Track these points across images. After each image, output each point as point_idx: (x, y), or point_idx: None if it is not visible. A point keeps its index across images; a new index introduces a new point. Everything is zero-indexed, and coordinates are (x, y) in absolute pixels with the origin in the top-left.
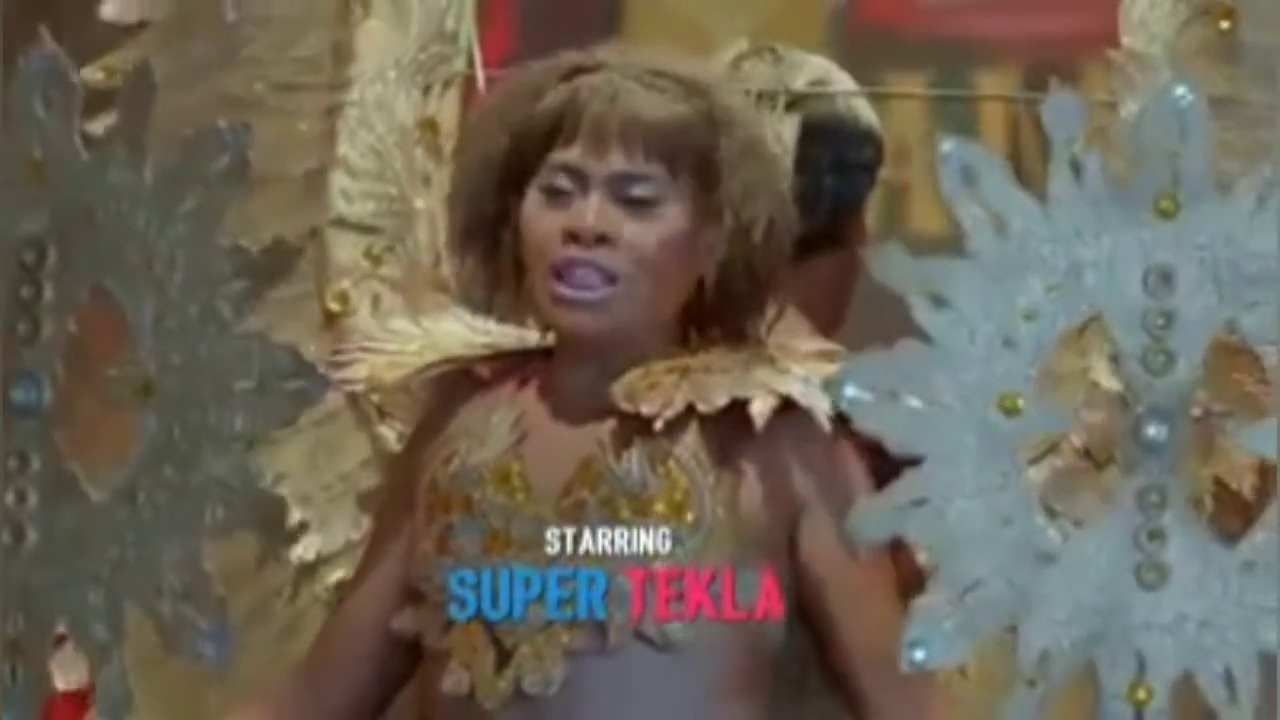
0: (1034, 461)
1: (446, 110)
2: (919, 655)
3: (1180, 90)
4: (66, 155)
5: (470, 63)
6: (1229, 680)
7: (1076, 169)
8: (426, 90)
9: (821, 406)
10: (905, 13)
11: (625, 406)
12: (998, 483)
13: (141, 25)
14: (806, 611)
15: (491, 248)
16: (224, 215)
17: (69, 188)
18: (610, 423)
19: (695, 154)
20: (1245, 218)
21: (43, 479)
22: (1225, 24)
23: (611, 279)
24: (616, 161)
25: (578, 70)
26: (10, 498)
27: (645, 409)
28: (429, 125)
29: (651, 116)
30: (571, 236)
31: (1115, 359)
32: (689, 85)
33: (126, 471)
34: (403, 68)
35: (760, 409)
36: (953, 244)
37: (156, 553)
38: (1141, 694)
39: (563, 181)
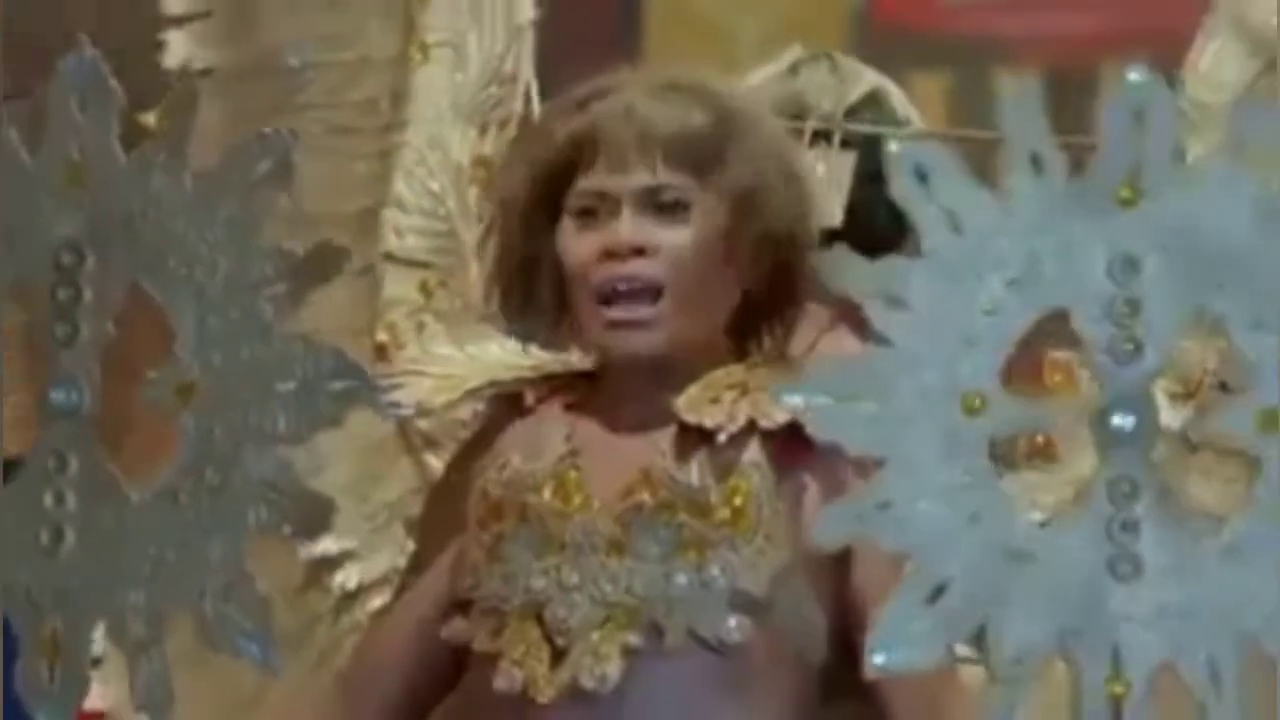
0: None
1: (502, 149)
2: (879, 659)
3: (1136, 76)
4: (105, 158)
5: (527, 102)
6: (1212, 669)
7: (1036, 162)
8: (483, 130)
9: None
10: (924, 12)
11: (689, 419)
12: (964, 481)
13: (207, 71)
14: (846, 626)
15: (530, 287)
16: (266, 219)
17: (108, 191)
18: (669, 432)
19: (715, 157)
20: (1212, 201)
21: (81, 480)
22: None
23: (656, 293)
24: (640, 176)
25: (590, 98)
26: (49, 499)
27: (710, 422)
28: (483, 163)
29: (666, 127)
30: (608, 254)
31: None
32: (698, 92)
33: (167, 472)
34: (460, 108)
35: None
36: None
37: (199, 553)
38: (1119, 688)
39: (592, 204)
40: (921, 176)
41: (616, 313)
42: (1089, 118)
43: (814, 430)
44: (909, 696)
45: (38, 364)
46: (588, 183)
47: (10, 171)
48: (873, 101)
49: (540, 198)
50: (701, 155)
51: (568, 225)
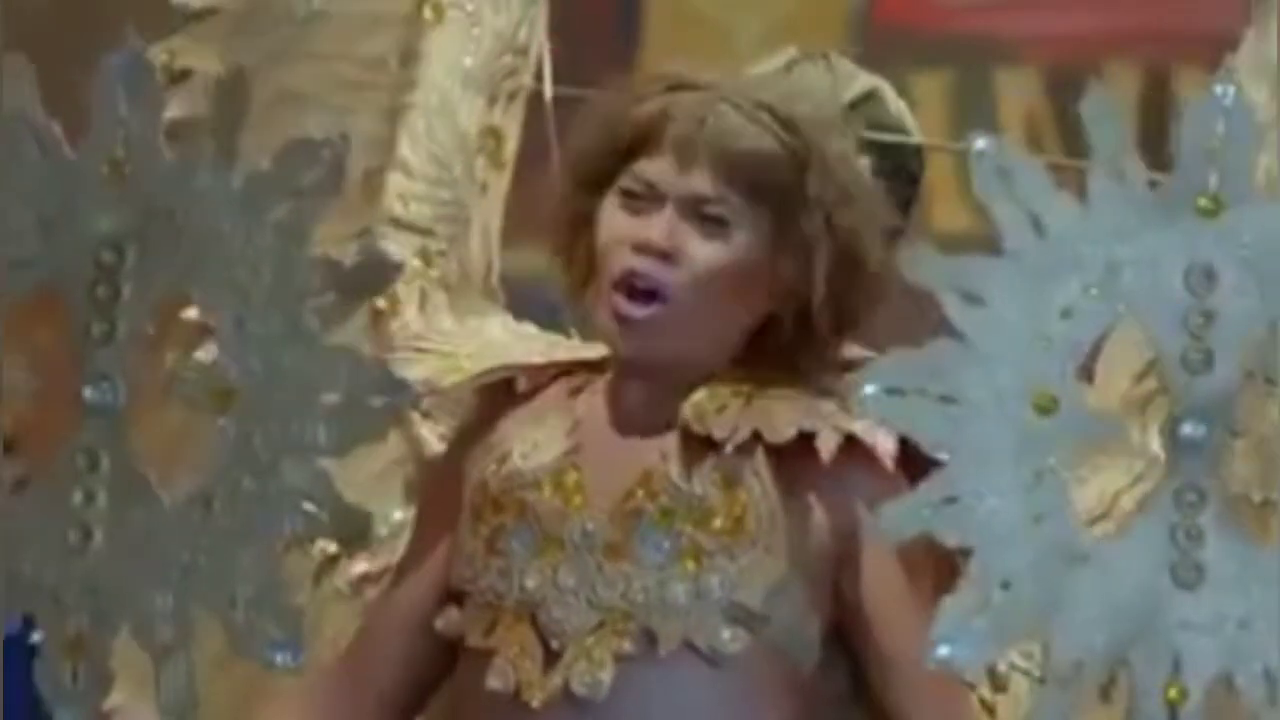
0: None
1: (510, 121)
2: (943, 651)
3: (1222, 89)
4: (149, 154)
5: (538, 76)
6: (1269, 680)
7: (1117, 169)
8: (492, 100)
9: (885, 446)
10: (924, 11)
11: (696, 428)
12: (1030, 481)
13: (210, 11)
14: (853, 643)
15: (573, 243)
16: (314, 227)
17: (151, 188)
18: (673, 437)
19: (777, 188)
20: None
21: (113, 479)
22: None
23: (664, 300)
24: (696, 183)
25: (682, 85)
26: (79, 497)
27: (716, 432)
28: (492, 133)
29: (738, 145)
30: (640, 248)
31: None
32: (784, 121)
33: (202, 476)
34: (470, 75)
35: (827, 444)
36: (979, 243)
37: (231, 560)
38: (1175, 693)
39: (641, 190)
40: (1004, 176)
41: (622, 304)
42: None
43: (885, 421)
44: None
45: (61, 360)
46: (645, 169)
47: (51, 165)
48: (867, 102)
49: (602, 164)
50: (763, 181)
51: (612, 200)
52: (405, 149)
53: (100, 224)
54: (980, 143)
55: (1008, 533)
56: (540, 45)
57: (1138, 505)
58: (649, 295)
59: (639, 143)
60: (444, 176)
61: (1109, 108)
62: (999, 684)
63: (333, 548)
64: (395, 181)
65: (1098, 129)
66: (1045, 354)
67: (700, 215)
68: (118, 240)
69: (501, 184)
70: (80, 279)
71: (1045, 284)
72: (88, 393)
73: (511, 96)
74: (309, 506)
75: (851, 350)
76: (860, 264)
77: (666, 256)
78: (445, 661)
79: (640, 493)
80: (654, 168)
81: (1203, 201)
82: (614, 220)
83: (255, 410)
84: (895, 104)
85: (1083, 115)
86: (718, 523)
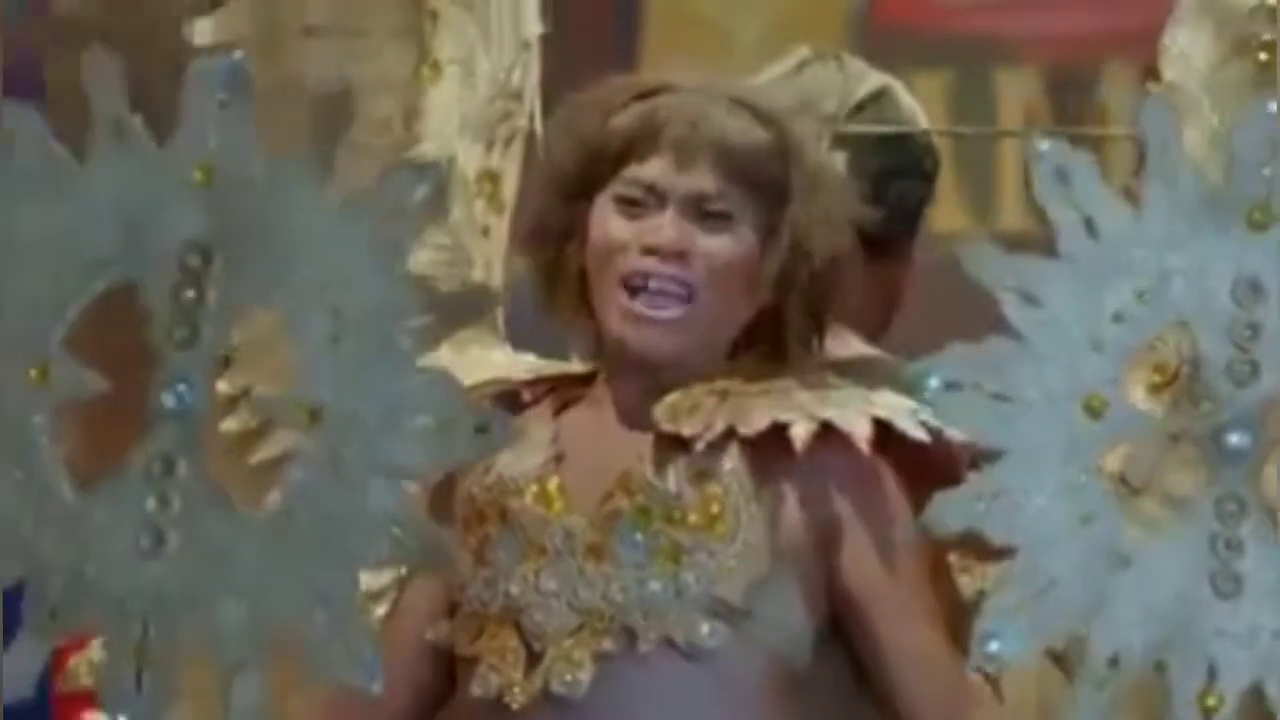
0: None
1: (508, 164)
2: (994, 647)
3: (1274, 104)
4: (241, 161)
5: (533, 118)
6: None
7: (1171, 175)
8: (489, 145)
9: (860, 431)
10: (924, 11)
11: (667, 428)
12: (1079, 481)
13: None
14: (848, 632)
15: (555, 256)
16: (411, 248)
17: (242, 197)
18: (651, 438)
19: (769, 180)
20: None
21: (188, 486)
22: (1264, 56)
23: (689, 296)
24: (699, 181)
25: (655, 91)
26: (152, 502)
27: (687, 431)
28: (489, 177)
29: (735, 140)
30: (649, 251)
31: (1195, 368)
32: (764, 115)
33: (285, 493)
34: (467, 122)
35: (800, 433)
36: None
37: (310, 578)
38: (1211, 701)
39: (639, 195)
40: (1063, 178)
41: (641, 307)
42: (1089, 116)
43: (939, 416)
44: (935, 713)
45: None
46: (640, 172)
47: (136, 165)
48: (878, 101)
49: (586, 174)
50: (758, 174)
51: (607, 207)
52: None
53: (187, 227)
54: (1041, 144)
55: (1055, 533)
56: (534, 90)
57: (1122, 463)
58: (673, 298)
59: (627, 149)
60: (444, 223)
61: (1164, 114)
62: None
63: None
64: None
65: (1152, 134)
66: (1097, 357)
67: (703, 213)
68: (205, 245)
69: (502, 226)
70: (164, 282)
71: (1099, 287)
72: (165, 397)
73: (508, 140)
74: (395, 531)
75: (852, 348)
76: (833, 252)
77: (681, 256)
78: (450, 676)
79: (618, 494)
80: (651, 170)
81: (1255, 214)
82: (612, 225)
83: (342, 429)
84: (907, 102)
85: (1138, 121)
86: (693, 518)
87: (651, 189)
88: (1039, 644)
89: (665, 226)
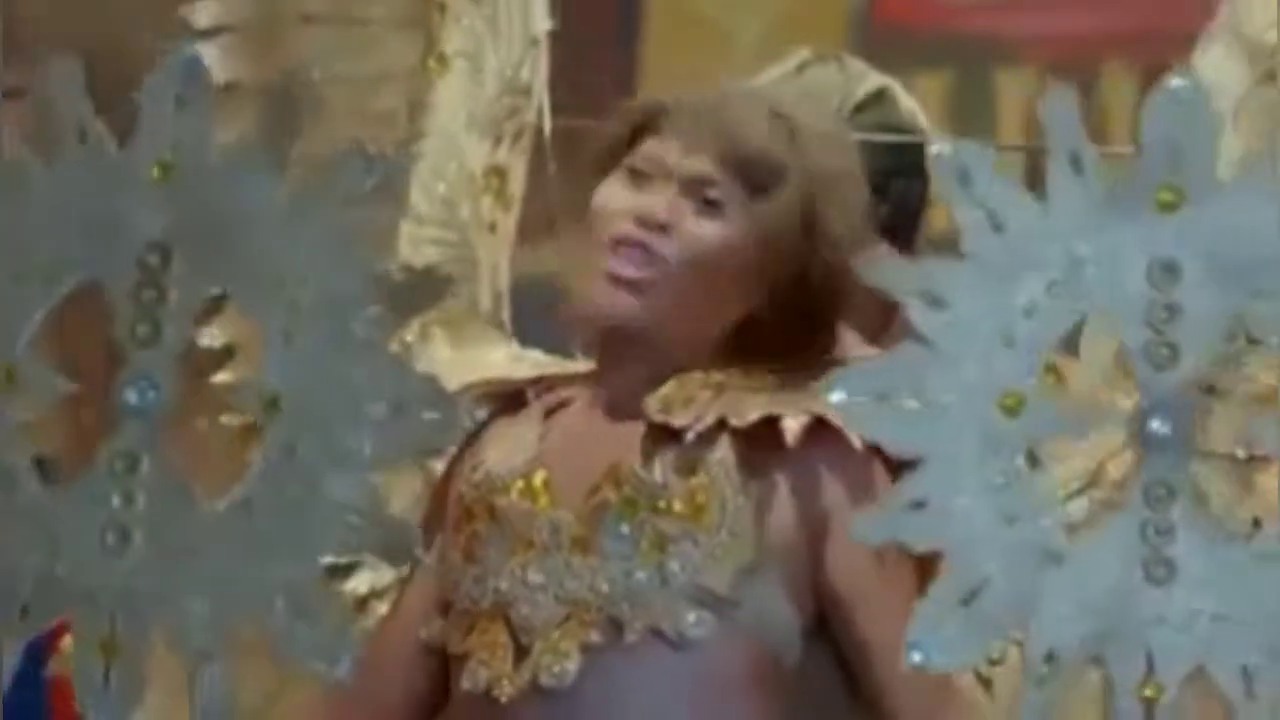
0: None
1: (515, 160)
2: (917, 657)
3: (1180, 82)
4: (199, 159)
5: (540, 114)
6: (1245, 676)
7: (1075, 164)
8: (496, 141)
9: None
10: (925, 11)
11: (658, 418)
12: (1000, 482)
13: (228, 88)
14: (835, 630)
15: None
16: (364, 237)
17: (199, 192)
18: (640, 430)
19: (777, 182)
20: (1252, 207)
21: (152, 483)
22: None
23: (661, 265)
24: (701, 165)
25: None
26: (117, 499)
27: (678, 422)
28: (497, 173)
29: (745, 133)
30: (641, 220)
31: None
32: (785, 118)
33: (245, 484)
34: (474, 118)
35: (792, 426)
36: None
37: (271, 569)
38: (1150, 691)
39: (647, 169)
40: (964, 177)
41: (614, 263)
42: (1090, 118)
43: (853, 427)
44: (921, 712)
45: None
46: (653, 148)
47: (96, 165)
48: (878, 101)
49: (614, 149)
50: (765, 173)
51: (615, 176)
52: (416, 196)
53: (147, 226)
54: (938, 146)
55: (979, 534)
56: (542, 86)
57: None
58: (643, 262)
59: (646, 125)
60: (451, 219)
61: (1066, 103)
62: (994, 657)
63: (363, 589)
64: (406, 229)
65: (1055, 124)
66: (1009, 353)
67: (702, 198)
68: (164, 243)
69: (509, 222)
70: (124, 280)
71: (1006, 284)
72: (127, 395)
73: (515, 136)
74: (353, 519)
75: (852, 348)
76: (840, 263)
77: (664, 228)
78: (446, 675)
79: (605, 486)
80: (662, 147)
81: (1163, 195)
82: (613, 192)
83: (300, 419)
84: (907, 103)
85: (1040, 112)
86: (678, 507)
87: (661, 164)
88: (976, 648)
89: (660, 199)
